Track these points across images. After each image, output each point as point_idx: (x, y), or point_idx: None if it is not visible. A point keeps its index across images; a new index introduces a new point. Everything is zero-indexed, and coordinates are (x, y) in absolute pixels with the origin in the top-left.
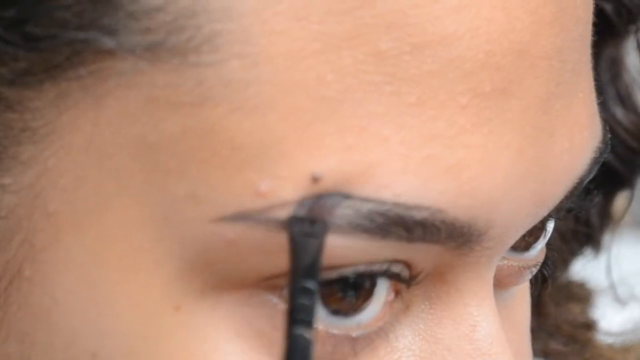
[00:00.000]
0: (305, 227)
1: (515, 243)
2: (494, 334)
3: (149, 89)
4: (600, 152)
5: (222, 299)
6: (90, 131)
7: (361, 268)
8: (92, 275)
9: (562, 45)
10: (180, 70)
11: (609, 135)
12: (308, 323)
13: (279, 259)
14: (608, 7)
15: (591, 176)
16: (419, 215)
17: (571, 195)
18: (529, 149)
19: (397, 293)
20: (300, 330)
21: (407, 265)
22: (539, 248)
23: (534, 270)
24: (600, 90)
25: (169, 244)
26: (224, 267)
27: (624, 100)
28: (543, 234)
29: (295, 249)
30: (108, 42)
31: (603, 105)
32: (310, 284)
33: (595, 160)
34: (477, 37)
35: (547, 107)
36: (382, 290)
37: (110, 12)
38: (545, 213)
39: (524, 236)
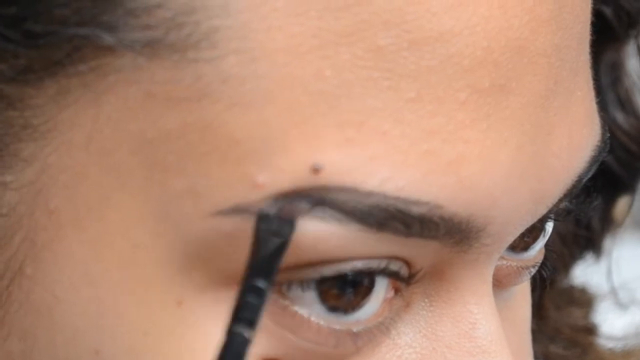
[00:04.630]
0: (272, 225)
1: (514, 243)
2: (493, 332)
3: (148, 85)
4: (599, 150)
5: (223, 294)
6: (90, 127)
7: (359, 265)
8: (92, 272)
9: (560, 44)
10: (179, 67)
11: (608, 135)
12: (251, 323)
13: None
14: (608, 11)
15: (590, 174)
16: (417, 210)
17: (570, 193)
18: (527, 146)
19: (397, 291)
20: (240, 329)
21: (406, 263)
22: (538, 248)
23: (533, 271)
24: (600, 95)
25: (169, 239)
26: (223, 261)
27: (625, 104)
28: (542, 235)
29: (256, 245)
30: (107, 39)
31: (603, 109)
32: (261, 284)
33: (594, 159)
34: (474, 34)
35: (546, 105)
36: (382, 288)
37: (110, 8)
38: (544, 211)
39: (522, 236)
